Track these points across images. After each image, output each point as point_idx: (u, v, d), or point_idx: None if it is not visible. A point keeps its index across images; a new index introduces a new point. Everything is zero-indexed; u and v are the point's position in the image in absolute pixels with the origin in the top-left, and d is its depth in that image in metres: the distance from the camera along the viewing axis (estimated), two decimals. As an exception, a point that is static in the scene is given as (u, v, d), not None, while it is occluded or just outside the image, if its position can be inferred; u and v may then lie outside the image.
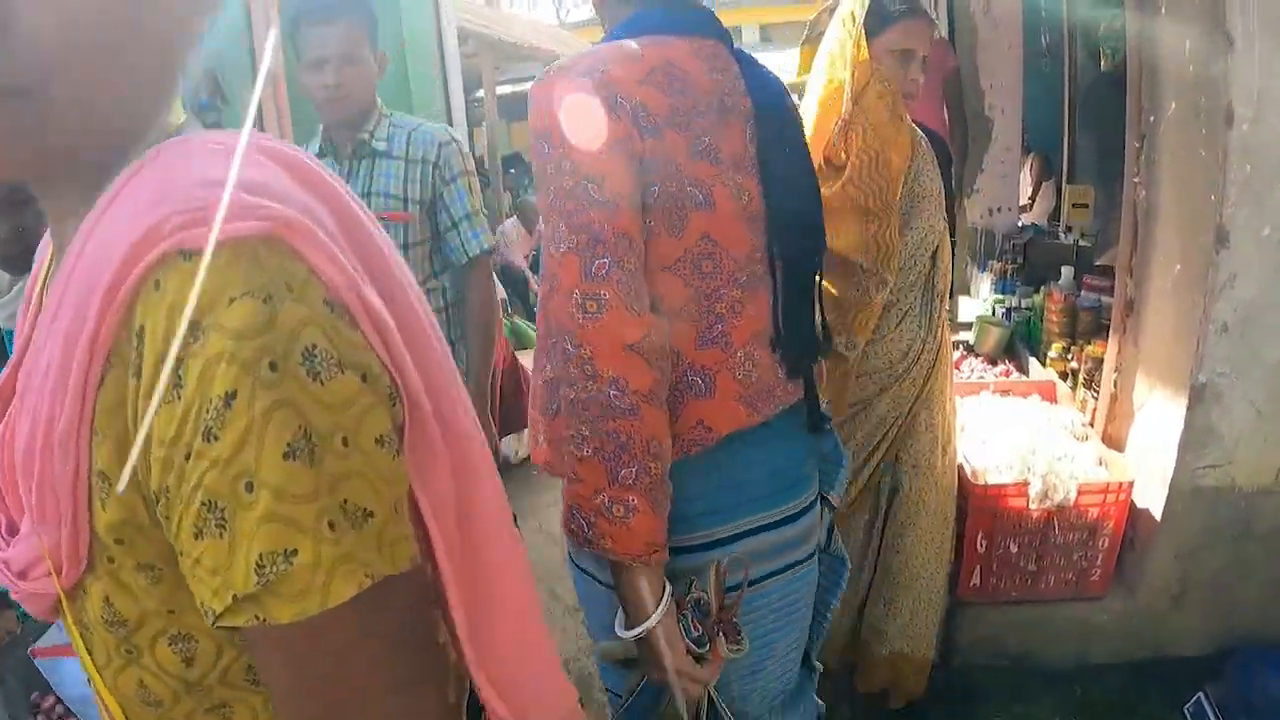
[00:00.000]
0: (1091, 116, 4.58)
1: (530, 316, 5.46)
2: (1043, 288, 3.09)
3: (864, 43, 1.70)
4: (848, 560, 1.35)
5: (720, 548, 1.10)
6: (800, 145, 1.21)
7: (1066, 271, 3.02)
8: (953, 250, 2.25)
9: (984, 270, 3.81)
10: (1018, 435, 2.31)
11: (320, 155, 2.00)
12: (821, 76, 1.80)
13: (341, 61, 1.87)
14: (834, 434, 1.30)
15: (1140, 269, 2.22)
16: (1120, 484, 2.11)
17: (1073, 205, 3.63)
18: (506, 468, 3.53)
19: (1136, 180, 2.20)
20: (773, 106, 1.14)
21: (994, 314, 3.29)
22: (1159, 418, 2.12)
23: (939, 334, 1.91)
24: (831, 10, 1.90)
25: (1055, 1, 4.22)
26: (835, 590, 1.32)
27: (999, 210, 4.11)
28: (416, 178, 2.00)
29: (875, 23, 1.72)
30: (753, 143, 1.11)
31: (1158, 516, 2.10)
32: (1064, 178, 4.64)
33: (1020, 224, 4.11)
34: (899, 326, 1.87)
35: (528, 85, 1.11)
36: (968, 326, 3.25)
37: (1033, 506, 2.12)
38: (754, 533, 1.13)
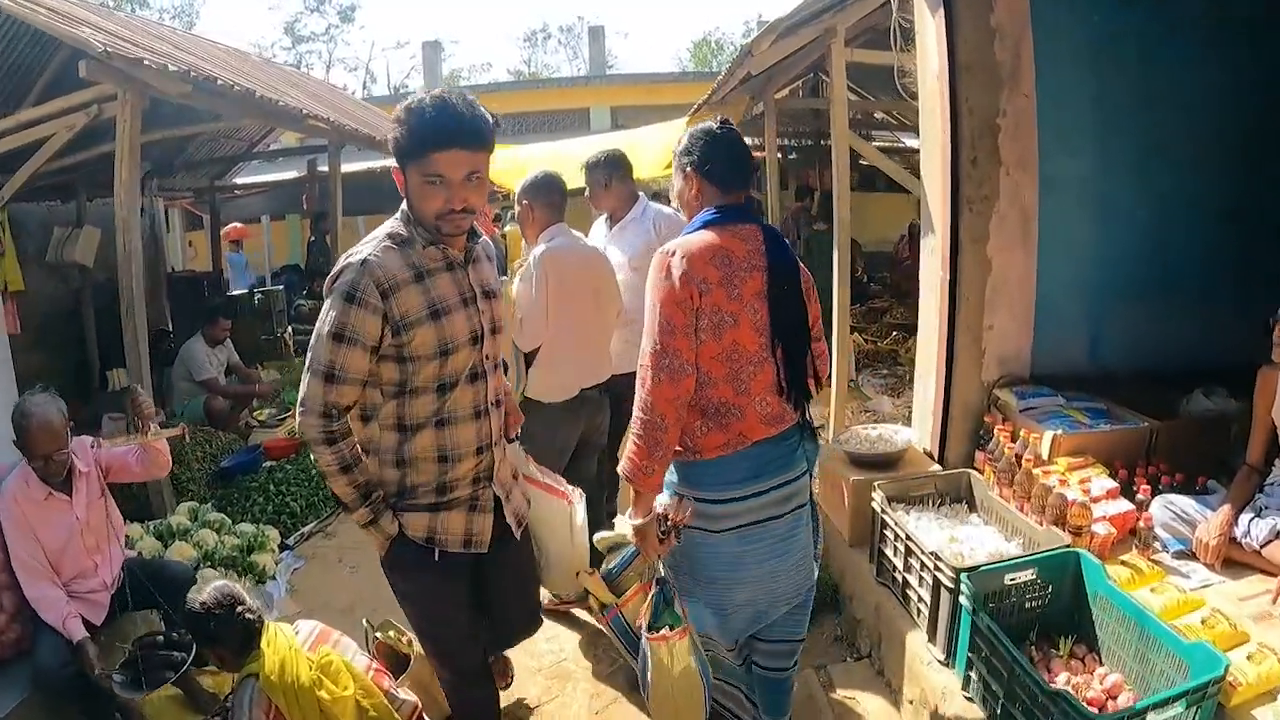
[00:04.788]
0: None
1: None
2: None
3: None
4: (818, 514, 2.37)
5: (740, 501, 2.13)
6: (795, 284, 2.20)
7: None
8: None
9: None
10: None
11: None
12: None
13: None
14: (816, 437, 2.32)
15: None
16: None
17: None
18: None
19: None
20: (779, 263, 2.16)
21: None
22: None
23: None
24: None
25: None
26: (817, 536, 2.36)
27: None
28: None
29: None
30: (766, 284, 2.13)
31: None
32: None
33: None
34: None
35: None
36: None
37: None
38: (759, 494, 2.14)
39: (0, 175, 4.83)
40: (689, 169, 2.22)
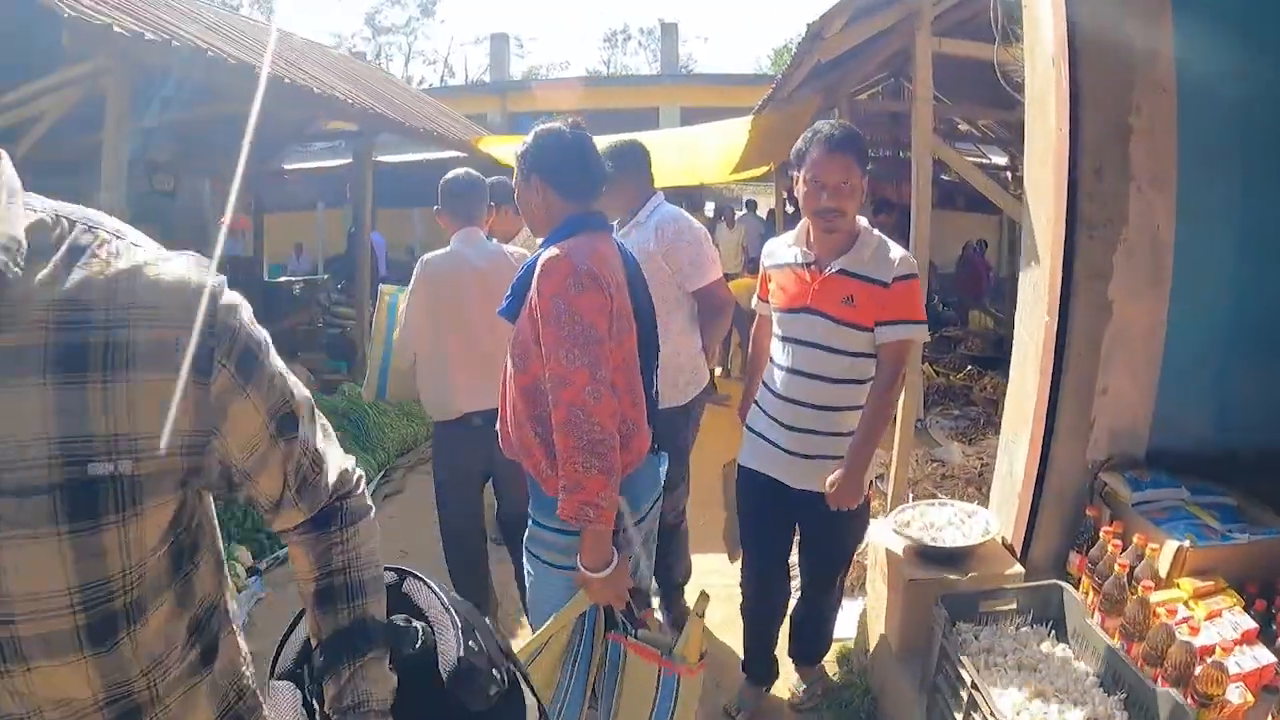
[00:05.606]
0: None
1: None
2: None
3: None
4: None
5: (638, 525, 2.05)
6: (649, 295, 2.18)
7: None
8: None
9: None
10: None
11: None
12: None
13: None
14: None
15: None
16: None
17: None
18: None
19: None
20: (633, 268, 2.10)
21: None
22: None
23: None
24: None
25: None
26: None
27: None
28: None
29: None
30: (631, 291, 2.03)
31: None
32: None
33: None
34: None
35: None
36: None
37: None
38: (642, 520, 2.08)
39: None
40: (534, 177, 2.02)
